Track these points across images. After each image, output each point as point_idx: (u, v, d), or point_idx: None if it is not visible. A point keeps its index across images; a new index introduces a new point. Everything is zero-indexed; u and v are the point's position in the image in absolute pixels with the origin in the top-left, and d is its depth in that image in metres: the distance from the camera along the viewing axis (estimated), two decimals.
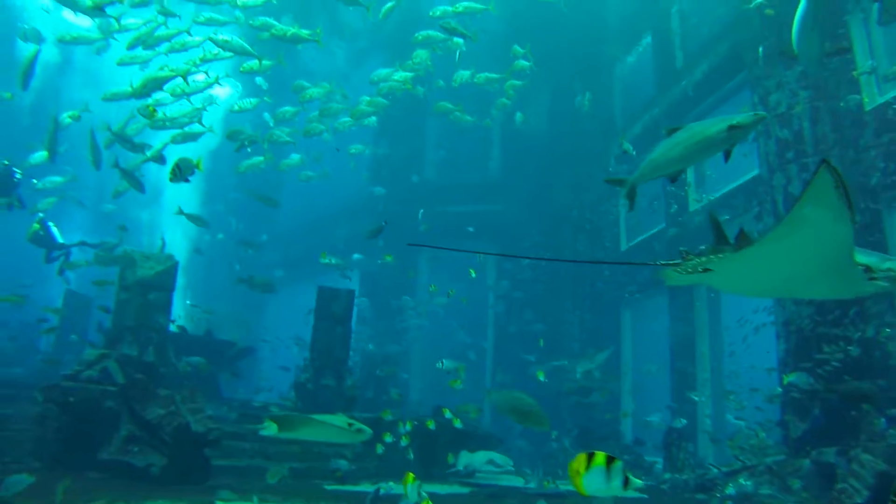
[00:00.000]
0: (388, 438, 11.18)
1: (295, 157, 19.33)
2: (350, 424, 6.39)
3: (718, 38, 16.21)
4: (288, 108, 18.04)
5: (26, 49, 16.92)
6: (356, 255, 18.98)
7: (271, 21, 14.72)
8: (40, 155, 17.19)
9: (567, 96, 22.57)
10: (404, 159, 26.13)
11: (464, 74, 17.66)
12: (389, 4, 15.46)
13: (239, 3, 14.97)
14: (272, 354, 18.90)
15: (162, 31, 15.19)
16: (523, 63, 17.10)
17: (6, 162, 15.00)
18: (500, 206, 24.21)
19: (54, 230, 16.80)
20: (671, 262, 4.48)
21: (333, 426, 6.40)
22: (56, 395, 10.11)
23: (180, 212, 15.91)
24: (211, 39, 14.09)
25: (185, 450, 9.51)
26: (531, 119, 20.93)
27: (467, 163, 25.94)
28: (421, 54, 16.48)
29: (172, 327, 12.82)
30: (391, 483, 9.91)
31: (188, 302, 17.89)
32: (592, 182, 21.26)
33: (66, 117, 16.86)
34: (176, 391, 10.23)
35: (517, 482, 12.87)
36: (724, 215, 15.11)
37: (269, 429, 6.17)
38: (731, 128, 5.20)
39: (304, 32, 14.55)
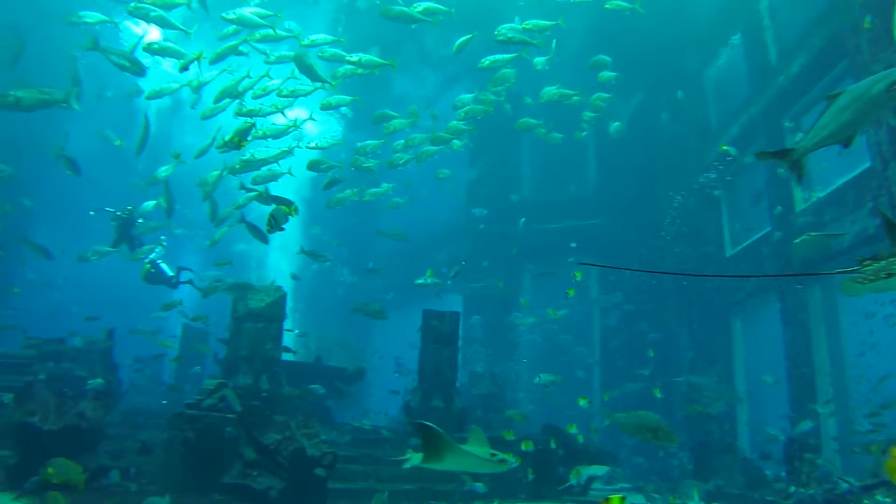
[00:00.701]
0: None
1: (385, 186, 19.76)
2: (493, 455, 6.38)
3: (814, 27, 15.52)
4: (371, 142, 18.31)
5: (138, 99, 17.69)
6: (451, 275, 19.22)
7: (342, 53, 15.03)
8: (151, 203, 17.95)
9: (657, 104, 22.25)
10: (501, 179, 26.37)
11: (550, 91, 17.67)
12: (463, 38, 15.68)
13: (310, 40, 15.24)
14: (381, 378, 19.26)
15: (246, 82, 15.73)
16: (608, 74, 17.05)
17: (130, 208, 16.03)
18: (599, 219, 24.02)
19: (164, 266, 17.79)
20: (848, 270, 4.05)
21: (477, 457, 6.35)
22: (180, 422, 10.71)
23: (302, 251, 16.59)
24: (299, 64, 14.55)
25: (301, 473, 9.85)
26: (624, 129, 20.70)
27: (564, 178, 25.86)
28: (506, 73, 16.59)
29: (285, 356, 13.28)
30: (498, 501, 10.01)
31: (296, 331, 18.45)
32: (691, 189, 20.75)
33: (165, 170, 17.52)
34: (290, 417, 10.63)
35: (636, 499, 12.56)
36: (833, 214, 14.48)
37: (414, 459, 6.15)
38: (892, 85, 4.90)
39: (377, 59, 14.90)
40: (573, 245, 22.06)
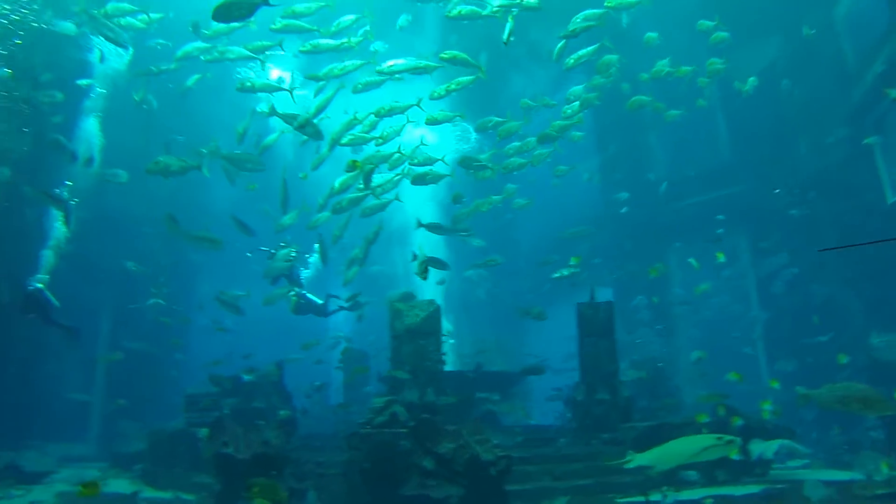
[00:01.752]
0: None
1: (510, 187, 19.78)
2: (719, 438, 6.24)
3: None
4: (483, 156, 18.22)
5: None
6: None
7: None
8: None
9: (787, 54, 21.03)
10: (633, 161, 25.80)
11: (662, 65, 17.21)
12: (559, 44, 15.56)
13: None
14: (543, 376, 19.27)
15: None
16: (721, 35, 16.44)
17: (283, 244, 16.81)
18: (741, 185, 23.00)
19: (311, 297, 18.49)
20: None
21: (705, 444, 6.22)
22: (356, 441, 11.18)
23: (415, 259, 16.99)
24: None
25: (478, 479, 10.03)
26: (755, 85, 19.73)
27: (697, 150, 24.97)
28: (609, 59, 16.31)
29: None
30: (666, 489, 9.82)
31: (451, 341, 18.79)
32: (836, 139, 19.42)
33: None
34: (461, 426, 10.86)
35: (837, 476, 11.79)
36: None
37: (638, 459, 6.09)
38: None
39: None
40: (720, 217, 21.26)
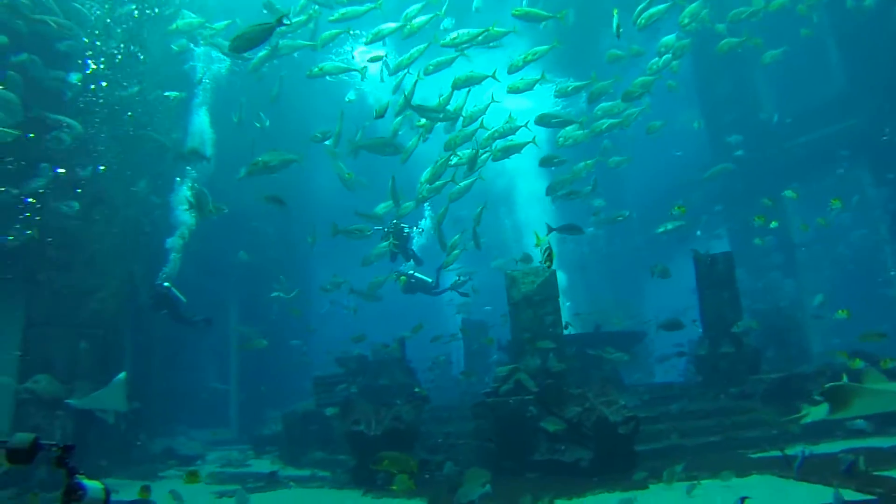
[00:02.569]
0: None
1: (606, 143, 19.31)
2: None
3: None
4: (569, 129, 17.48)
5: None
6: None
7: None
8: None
9: None
10: (742, 102, 24.73)
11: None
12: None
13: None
14: (661, 334, 18.95)
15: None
16: None
17: (395, 221, 17.05)
18: (859, 117, 21.65)
19: (419, 275, 18.69)
20: None
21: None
22: (483, 411, 11.41)
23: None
24: None
25: (607, 441, 10.05)
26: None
27: (810, 83, 23.60)
28: (692, 9, 15.65)
29: (566, 331, 13.50)
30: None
31: (567, 304, 18.64)
32: None
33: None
34: (586, 388, 10.89)
35: None
36: None
37: (814, 413, 5.88)
38: None
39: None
40: (845, 153, 20.14)
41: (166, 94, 17.37)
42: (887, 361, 11.34)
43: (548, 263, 8.38)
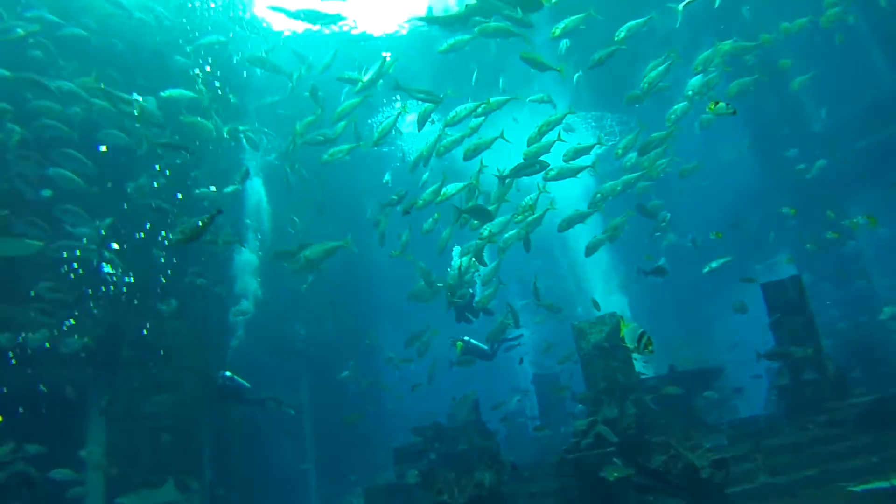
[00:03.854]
0: None
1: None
2: None
3: None
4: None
5: None
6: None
7: None
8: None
9: None
10: (792, 119, 24.27)
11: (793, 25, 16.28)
12: None
13: None
14: (738, 366, 18.49)
15: None
16: None
17: (471, 291, 16.93)
18: None
19: (473, 342, 18.47)
20: None
21: None
22: (566, 468, 11.24)
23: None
24: None
25: (697, 487, 9.78)
26: None
27: (854, 89, 22.97)
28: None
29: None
30: None
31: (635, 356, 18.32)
32: None
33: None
34: (668, 435, 10.65)
35: None
36: None
37: None
38: None
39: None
40: None
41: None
42: None
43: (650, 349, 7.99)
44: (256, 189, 20.52)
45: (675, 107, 15.10)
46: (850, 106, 23.10)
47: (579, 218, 14.97)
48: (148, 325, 15.93)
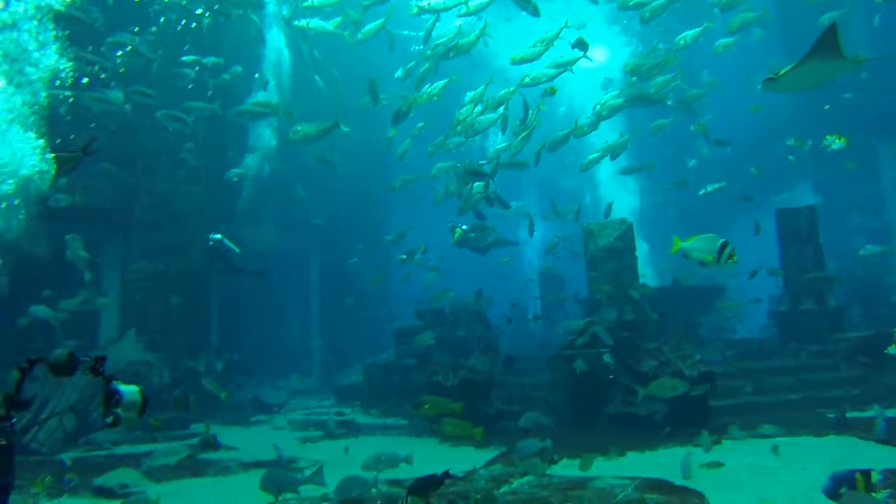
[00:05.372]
0: None
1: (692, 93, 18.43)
2: None
3: None
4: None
5: None
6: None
7: None
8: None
9: None
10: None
11: None
12: None
13: None
14: (742, 287, 18.55)
15: None
16: None
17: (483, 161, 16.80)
18: None
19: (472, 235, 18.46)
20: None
21: None
22: (559, 363, 11.57)
23: None
24: None
25: (681, 395, 10.04)
26: None
27: None
28: None
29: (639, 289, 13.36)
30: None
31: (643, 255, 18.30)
32: None
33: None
34: (662, 342, 10.91)
35: None
36: None
37: None
38: None
39: None
40: None
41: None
42: None
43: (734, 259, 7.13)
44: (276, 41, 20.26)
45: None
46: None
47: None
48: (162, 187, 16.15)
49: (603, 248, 12.59)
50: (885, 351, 11.37)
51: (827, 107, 21.32)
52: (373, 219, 26.27)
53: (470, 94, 15.07)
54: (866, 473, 5.12)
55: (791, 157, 17.41)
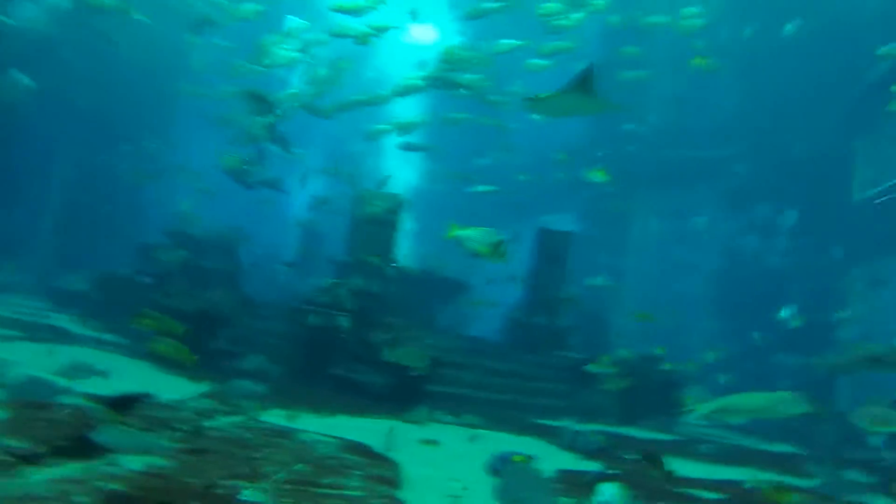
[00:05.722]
0: None
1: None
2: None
3: None
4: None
5: None
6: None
7: None
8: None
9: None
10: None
11: None
12: None
13: None
14: (484, 290, 19.55)
15: None
16: None
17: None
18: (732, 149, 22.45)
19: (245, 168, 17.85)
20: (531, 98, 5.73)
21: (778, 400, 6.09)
22: (297, 316, 11.53)
23: None
24: None
25: (401, 372, 10.43)
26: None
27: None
28: None
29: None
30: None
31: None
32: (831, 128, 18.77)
33: None
34: (397, 319, 11.23)
35: None
36: None
37: (700, 409, 5.96)
38: None
39: None
40: None
41: None
42: None
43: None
44: None
45: None
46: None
47: None
48: None
49: (369, 216, 12.70)
50: (583, 368, 12.55)
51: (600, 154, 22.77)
52: (156, 120, 24.18)
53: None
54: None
55: (561, 175, 18.49)
